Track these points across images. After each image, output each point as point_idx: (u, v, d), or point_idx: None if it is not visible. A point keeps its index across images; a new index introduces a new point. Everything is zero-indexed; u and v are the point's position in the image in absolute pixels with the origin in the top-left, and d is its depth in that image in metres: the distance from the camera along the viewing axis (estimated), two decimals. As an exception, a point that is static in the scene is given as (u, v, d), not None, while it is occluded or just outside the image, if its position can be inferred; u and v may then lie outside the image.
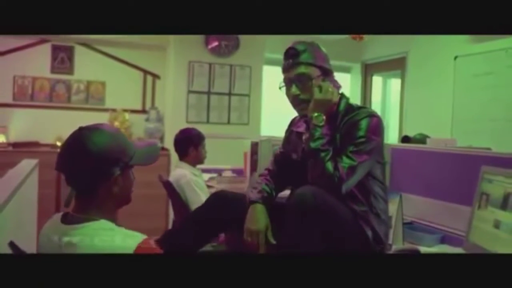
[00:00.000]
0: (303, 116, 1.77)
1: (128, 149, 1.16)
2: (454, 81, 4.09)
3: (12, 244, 1.20)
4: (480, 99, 3.84)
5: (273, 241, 1.66)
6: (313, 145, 1.55)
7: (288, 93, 1.69)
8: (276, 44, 4.86)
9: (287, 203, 1.60)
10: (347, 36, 4.17)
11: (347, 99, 1.69)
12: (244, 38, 4.58)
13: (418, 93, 4.60)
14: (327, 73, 1.68)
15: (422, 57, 4.53)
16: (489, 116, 3.75)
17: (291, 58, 1.65)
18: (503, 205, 1.47)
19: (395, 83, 5.29)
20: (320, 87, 1.60)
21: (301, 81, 1.64)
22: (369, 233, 1.59)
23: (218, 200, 1.81)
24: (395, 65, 4.96)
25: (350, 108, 1.64)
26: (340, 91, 1.71)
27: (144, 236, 1.09)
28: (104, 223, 1.10)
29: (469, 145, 3.09)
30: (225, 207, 1.76)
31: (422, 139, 2.80)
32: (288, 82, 1.68)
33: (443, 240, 1.97)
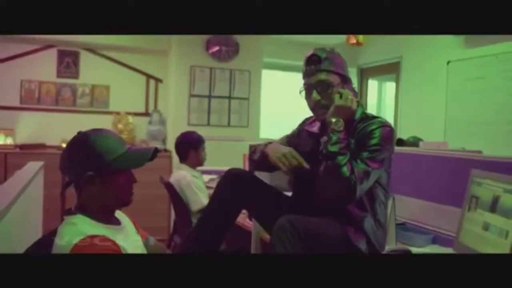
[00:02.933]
0: (316, 119, 1.78)
1: (110, 153, 1.21)
2: (447, 85, 4.09)
3: None
4: (472, 102, 3.85)
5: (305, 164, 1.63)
6: (331, 148, 1.54)
7: (308, 98, 1.70)
8: (275, 49, 4.91)
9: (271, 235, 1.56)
10: (343, 41, 4.18)
11: (363, 108, 1.71)
12: (243, 44, 4.59)
13: (412, 96, 4.60)
14: (346, 81, 1.70)
15: (416, 62, 4.54)
16: (481, 119, 3.75)
17: (313, 64, 1.66)
18: (492, 208, 1.47)
19: (390, 87, 5.29)
20: (340, 94, 1.61)
21: (322, 88, 1.65)
22: (363, 245, 1.57)
23: (231, 177, 1.81)
24: (390, 69, 4.96)
25: (365, 116, 1.65)
26: (357, 99, 1.71)
27: (88, 234, 1.12)
28: (77, 218, 1.19)
29: (462, 147, 3.10)
30: (239, 182, 1.77)
31: (415, 142, 2.80)
32: (308, 88, 1.69)
33: (435, 241, 1.97)
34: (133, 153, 1.26)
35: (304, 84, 1.71)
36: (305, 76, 1.70)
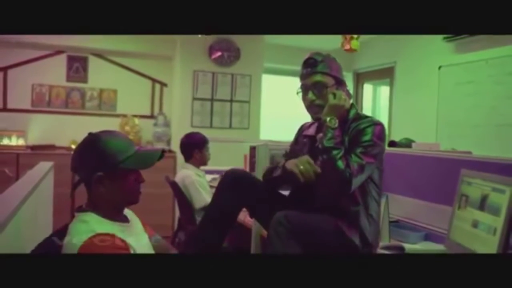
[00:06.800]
0: (313, 123, 1.82)
1: (120, 154, 1.20)
2: (438, 89, 4.09)
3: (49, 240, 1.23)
4: (462, 105, 3.85)
5: (319, 170, 1.60)
6: (327, 143, 1.57)
7: (304, 99, 1.73)
8: (274, 55, 4.92)
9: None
10: (340, 47, 4.18)
11: (357, 109, 1.74)
12: (244, 49, 4.59)
13: (405, 100, 4.61)
14: (340, 83, 1.72)
15: (409, 67, 4.54)
16: (471, 121, 3.75)
17: (309, 67, 1.69)
18: (481, 206, 1.47)
19: (384, 91, 5.29)
20: (334, 94, 1.64)
21: (317, 88, 1.68)
22: (356, 239, 1.58)
23: (232, 177, 1.80)
24: (384, 74, 4.97)
25: (358, 116, 1.69)
26: (351, 101, 1.74)
27: (97, 232, 1.12)
28: (88, 215, 1.19)
29: (452, 148, 3.10)
30: (239, 182, 1.77)
31: (407, 143, 2.80)
32: (305, 89, 1.72)
33: (427, 238, 1.97)
34: (142, 154, 1.26)
35: (301, 86, 1.74)
36: (302, 78, 1.73)
